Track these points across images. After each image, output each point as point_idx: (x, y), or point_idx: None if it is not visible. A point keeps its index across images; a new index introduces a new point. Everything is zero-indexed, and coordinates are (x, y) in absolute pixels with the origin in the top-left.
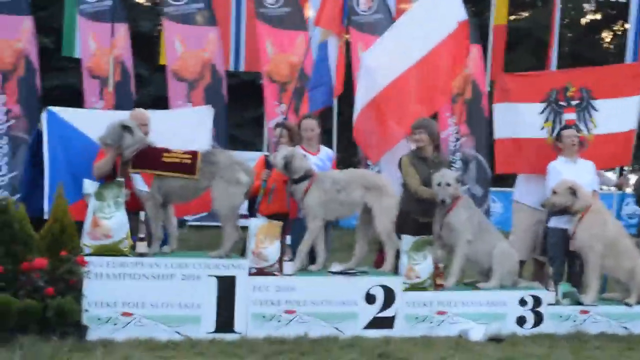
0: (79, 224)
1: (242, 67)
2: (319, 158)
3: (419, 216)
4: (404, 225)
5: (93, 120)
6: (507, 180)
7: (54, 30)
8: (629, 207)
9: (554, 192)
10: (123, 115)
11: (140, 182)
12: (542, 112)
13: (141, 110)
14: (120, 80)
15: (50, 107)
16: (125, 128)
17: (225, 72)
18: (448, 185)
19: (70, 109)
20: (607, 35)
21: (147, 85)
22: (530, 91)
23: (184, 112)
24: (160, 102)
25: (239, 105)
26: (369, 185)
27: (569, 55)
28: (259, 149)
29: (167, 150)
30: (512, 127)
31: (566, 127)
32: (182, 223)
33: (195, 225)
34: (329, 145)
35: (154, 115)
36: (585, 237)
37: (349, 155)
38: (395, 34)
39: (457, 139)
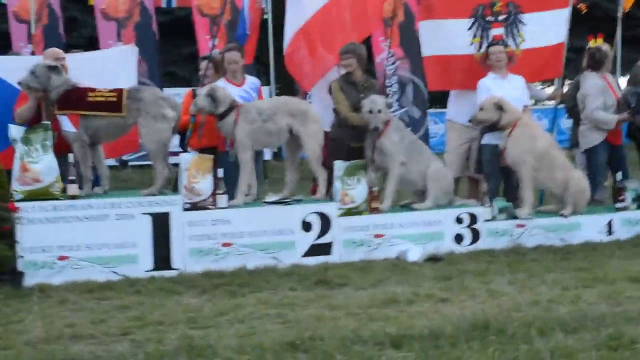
0: (9, 173)
1: (174, 3)
2: (244, 89)
3: (351, 141)
4: (336, 151)
5: (12, 65)
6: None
7: None
8: (568, 120)
9: (481, 109)
10: (32, 60)
11: (67, 123)
12: (470, 28)
13: (54, 49)
14: (49, 23)
15: None
16: (52, 69)
17: (157, 9)
18: (379, 111)
19: None
20: None
21: (80, 27)
22: (456, 7)
23: (107, 53)
24: (92, 44)
25: (174, 42)
26: (293, 111)
27: None
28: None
29: (92, 90)
30: (440, 45)
31: (493, 43)
32: (124, 163)
33: (138, 165)
34: (267, 77)
35: (76, 58)
36: (516, 151)
37: (286, 85)
38: None
39: (393, 63)
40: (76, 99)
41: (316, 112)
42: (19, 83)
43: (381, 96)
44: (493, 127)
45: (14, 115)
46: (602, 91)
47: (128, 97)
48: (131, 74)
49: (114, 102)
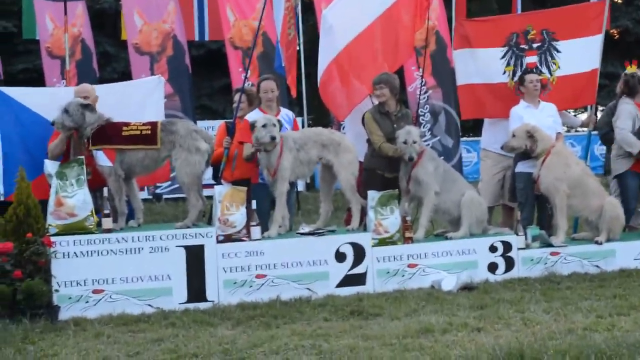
0: (42, 203)
1: (207, 37)
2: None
3: (385, 172)
4: (370, 181)
5: (42, 98)
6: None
7: (14, 14)
8: (602, 147)
9: (513, 135)
10: (66, 92)
11: (102, 158)
12: (503, 56)
13: (85, 84)
14: (82, 58)
15: (0, 88)
16: (85, 107)
17: (190, 42)
18: (414, 142)
19: (21, 88)
20: None
21: (114, 62)
22: (490, 36)
23: (133, 84)
24: (126, 78)
25: (208, 75)
26: (325, 142)
27: (533, 1)
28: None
29: (126, 124)
30: (474, 73)
31: (528, 71)
32: (158, 197)
33: (172, 198)
34: (300, 108)
35: (103, 89)
36: (549, 179)
37: (319, 117)
38: None
39: (425, 92)
40: (111, 133)
41: (350, 142)
42: (53, 123)
43: (416, 127)
44: (527, 155)
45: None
46: (632, 116)
47: (162, 130)
48: (158, 105)
49: (148, 135)
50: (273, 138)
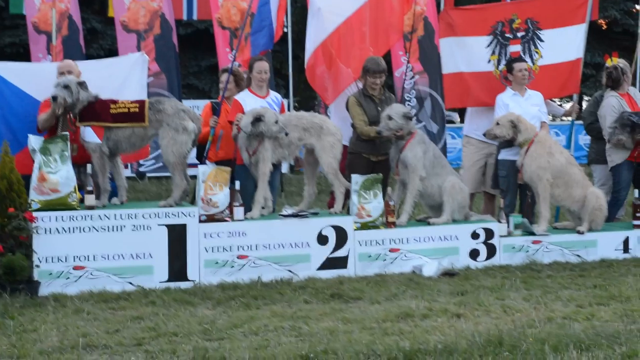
0: (25, 178)
1: (195, 16)
2: (267, 102)
3: (371, 155)
4: (356, 165)
5: (26, 73)
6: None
7: None
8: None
9: (497, 124)
10: (50, 67)
11: (90, 134)
12: (489, 45)
13: (67, 60)
14: (68, 34)
15: None
16: (81, 84)
17: (178, 21)
18: (390, 118)
19: (2, 63)
20: None
21: (100, 39)
22: (476, 25)
23: (116, 61)
24: (112, 55)
25: (195, 54)
26: (306, 125)
27: None
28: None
29: (113, 102)
30: (459, 62)
31: (516, 59)
32: (142, 175)
33: (155, 177)
34: (286, 90)
35: (86, 65)
36: (533, 168)
37: (305, 99)
38: None
39: (411, 77)
40: (99, 111)
41: (333, 126)
42: (54, 98)
43: (402, 105)
44: (510, 143)
45: (37, 121)
46: (616, 110)
47: (150, 109)
48: (141, 82)
49: (137, 113)
50: (287, 134)
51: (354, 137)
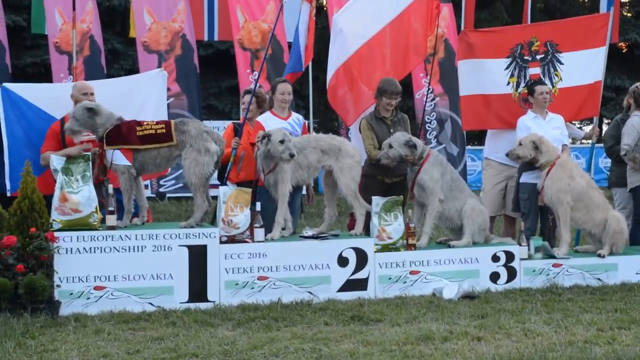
0: (46, 198)
1: (216, 37)
2: (288, 123)
3: (385, 177)
4: (371, 187)
5: (47, 94)
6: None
7: (24, 7)
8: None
9: (520, 144)
10: (67, 87)
11: (120, 157)
12: (507, 67)
13: (83, 82)
14: (90, 54)
15: (5, 84)
16: (90, 110)
17: (199, 42)
18: (390, 147)
19: (24, 84)
20: None
21: (122, 59)
22: (495, 47)
23: (135, 79)
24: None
25: (215, 75)
26: (324, 147)
27: (543, 11)
28: (237, 118)
29: (139, 124)
30: (478, 84)
31: (538, 82)
32: (162, 195)
33: (175, 197)
34: (306, 111)
35: (106, 84)
36: (553, 191)
37: (324, 120)
38: None
39: (432, 99)
40: (126, 133)
41: (352, 148)
42: (66, 130)
43: (405, 133)
44: (531, 165)
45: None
46: (637, 130)
47: (175, 129)
48: (161, 98)
49: (164, 134)
50: (292, 156)
51: (367, 160)
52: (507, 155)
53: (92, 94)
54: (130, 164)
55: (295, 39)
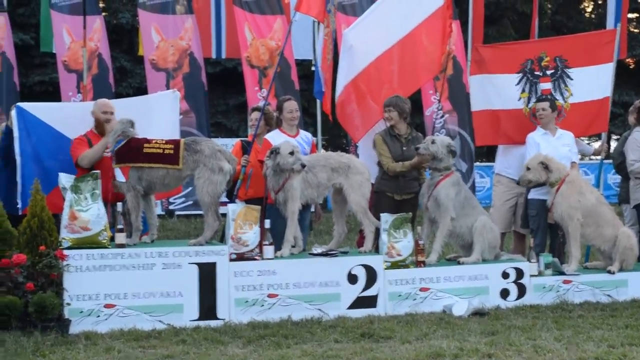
0: (56, 217)
1: (224, 54)
2: (297, 140)
3: (395, 194)
4: (381, 204)
5: (60, 113)
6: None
7: (32, 26)
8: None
9: (527, 169)
10: (87, 106)
11: (119, 174)
12: (518, 82)
13: (105, 100)
14: (98, 72)
15: (19, 103)
16: (132, 123)
17: (206, 59)
18: (433, 142)
19: (38, 104)
20: (588, 5)
21: (130, 77)
22: (506, 62)
23: (148, 98)
24: (141, 93)
25: (223, 93)
26: (334, 165)
27: (551, 27)
28: (245, 136)
29: (147, 141)
30: (489, 99)
31: (539, 98)
32: (171, 213)
33: (184, 215)
34: (314, 128)
35: (119, 104)
36: (563, 207)
37: (333, 137)
38: (378, 13)
39: (441, 116)
40: (133, 150)
41: (361, 164)
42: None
43: (449, 138)
44: (541, 183)
45: (79, 159)
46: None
47: (186, 149)
48: (174, 120)
49: (170, 155)
50: (303, 166)
51: (379, 176)
52: (518, 183)
53: (112, 113)
54: (124, 180)
55: (315, 62)
